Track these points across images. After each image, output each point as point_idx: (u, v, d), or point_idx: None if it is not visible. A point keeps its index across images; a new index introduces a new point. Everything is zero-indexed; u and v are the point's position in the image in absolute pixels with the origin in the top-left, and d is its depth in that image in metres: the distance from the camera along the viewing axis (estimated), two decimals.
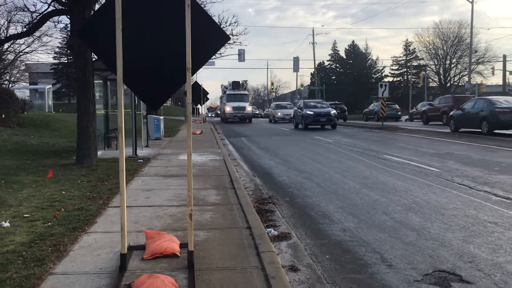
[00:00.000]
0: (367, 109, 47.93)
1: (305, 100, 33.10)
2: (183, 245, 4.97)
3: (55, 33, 79.49)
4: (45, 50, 54.90)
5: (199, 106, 39.78)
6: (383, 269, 4.82)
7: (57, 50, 67.39)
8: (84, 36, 4.46)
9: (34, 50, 40.80)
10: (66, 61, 72.73)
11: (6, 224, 6.06)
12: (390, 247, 5.49)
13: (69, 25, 16.80)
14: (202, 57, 4.44)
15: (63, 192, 8.16)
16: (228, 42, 11.80)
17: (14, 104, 22.83)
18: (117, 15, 4.09)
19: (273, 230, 6.20)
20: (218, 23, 26.68)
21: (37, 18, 12.60)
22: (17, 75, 53.84)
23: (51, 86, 56.62)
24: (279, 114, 43.68)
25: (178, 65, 4.23)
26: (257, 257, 4.84)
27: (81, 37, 4.64)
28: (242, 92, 47.40)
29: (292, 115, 37.47)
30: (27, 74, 60.77)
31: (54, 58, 69.24)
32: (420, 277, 4.58)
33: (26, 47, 38.64)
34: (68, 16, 11.99)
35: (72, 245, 5.26)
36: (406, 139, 20.24)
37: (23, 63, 51.31)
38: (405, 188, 8.96)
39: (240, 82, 49.33)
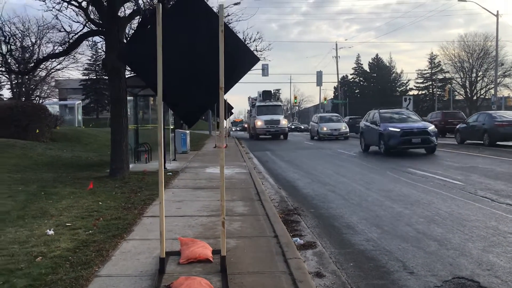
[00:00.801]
0: None
1: (381, 111, 22.34)
2: (215, 252, 5.34)
3: (85, 51, 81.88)
4: (76, 67, 56.68)
5: (224, 120, 40.52)
6: (405, 276, 5.09)
7: (86, 66, 69.35)
8: (126, 58, 4.91)
9: (65, 67, 42.22)
10: (95, 77, 74.80)
11: (51, 232, 6.53)
12: (412, 256, 5.74)
13: (100, 43, 17.58)
14: (234, 77, 4.84)
15: (100, 203, 8.64)
16: None
17: (47, 120, 23.75)
18: (158, 40, 4.54)
19: (299, 239, 6.52)
20: (243, 39, 27.33)
21: (73, 38, 13.28)
22: (48, 91, 55.63)
23: (80, 101, 58.27)
24: (325, 129, 35.05)
25: (212, 85, 4.64)
26: (285, 263, 5.17)
27: (123, 59, 5.11)
28: (275, 103, 40.96)
29: (341, 130, 34.54)
30: (57, 90, 62.57)
31: (83, 74, 71.36)
32: (440, 283, 4.83)
33: (58, 64, 40.06)
34: (103, 37, 12.62)
35: (113, 251, 5.68)
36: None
37: (53, 79, 52.95)
38: (428, 201, 9.16)
39: (272, 92, 43.34)
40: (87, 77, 73.78)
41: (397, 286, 4.81)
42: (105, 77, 71.24)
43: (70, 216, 7.57)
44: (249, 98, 49.47)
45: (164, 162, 14.39)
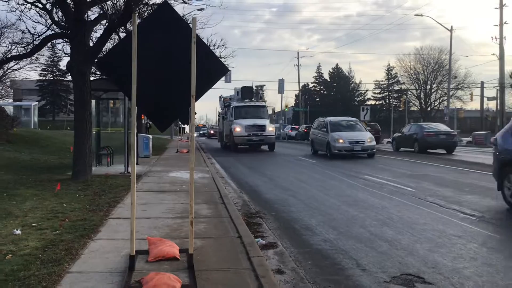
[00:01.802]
0: None
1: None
2: (182, 250, 5.63)
3: (44, 51, 79.67)
4: (33, 67, 55.29)
5: (185, 125, 40.18)
6: (358, 272, 5.54)
7: (43, 67, 67.72)
8: (102, 66, 5.16)
9: (22, 67, 41.21)
10: (52, 78, 73.13)
11: (18, 232, 6.64)
12: (364, 255, 6.21)
13: (60, 44, 17.49)
14: (205, 86, 5.18)
15: (64, 205, 8.74)
16: None
17: (4, 121, 23.24)
18: (134, 48, 4.82)
19: (261, 240, 6.88)
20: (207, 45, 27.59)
21: (37, 40, 13.23)
22: (2, 91, 54.00)
23: (36, 103, 56.75)
24: (341, 141, 22.70)
25: (184, 93, 4.95)
26: (248, 261, 5.52)
27: (99, 67, 5.35)
28: (258, 103, 31.85)
29: (366, 143, 22.59)
30: (12, 90, 60.75)
31: (40, 75, 69.60)
32: (389, 278, 5.29)
33: (15, 64, 39.05)
34: (67, 40, 12.64)
35: (82, 249, 5.87)
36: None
37: (9, 79, 51.48)
38: (381, 205, 9.73)
39: (254, 89, 33.43)
40: (44, 78, 72.08)
41: (350, 281, 5.24)
42: (62, 79, 70.09)
43: (35, 217, 7.65)
44: (220, 97, 37.93)
45: (128, 166, 14.52)
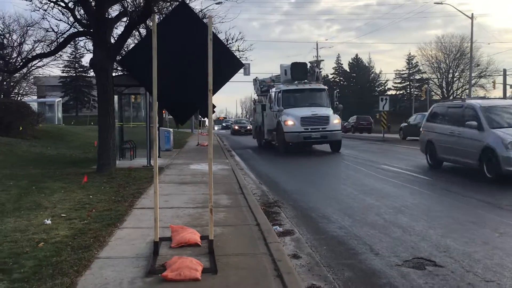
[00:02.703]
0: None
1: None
2: (203, 237, 5.93)
3: (66, 48, 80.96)
4: (56, 64, 56.22)
5: (205, 119, 40.50)
6: (371, 256, 5.77)
7: (66, 63, 68.97)
8: (125, 63, 5.47)
9: (46, 64, 42.13)
10: (74, 75, 74.49)
11: (48, 222, 7.03)
12: (378, 241, 6.43)
13: (82, 41, 17.95)
14: (221, 80, 5.44)
15: (91, 197, 9.14)
16: None
17: (30, 117, 23.97)
18: (154, 46, 5.11)
19: (278, 227, 7.15)
20: (226, 39, 27.79)
21: (60, 38, 13.69)
22: (26, 88, 55.24)
23: (60, 99, 57.95)
24: None
25: (202, 87, 5.22)
26: (266, 246, 5.79)
27: (122, 64, 5.66)
28: (315, 85, 23.28)
29: None
30: (35, 87, 62.04)
31: (62, 71, 70.94)
32: (401, 262, 5.52)
33: (39, 61, 39.96)
34: (90, 37, 13.04)
35: (109, 237, 6.22)
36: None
37: (32, 76, 52.60)
38: (396, 194, 9.91)
39: (308, 65, 24.64)
40: (66, 74, 73.43)
41: (363, 265, 5.48)
42: (84, 75, 71.34)
43: (64, 208, 8.06)
44: (255, 80, 29.03)
45: (150, 159, 14.93)
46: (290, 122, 20.52)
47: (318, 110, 21.11)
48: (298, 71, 23.40)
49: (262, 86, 27.50)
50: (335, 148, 21.33)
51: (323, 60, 27.42)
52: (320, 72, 24.82)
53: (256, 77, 28.86)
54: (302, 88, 22.72)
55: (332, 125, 20.71)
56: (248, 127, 46.69)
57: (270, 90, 24.59)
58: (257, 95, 28.99)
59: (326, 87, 23.89)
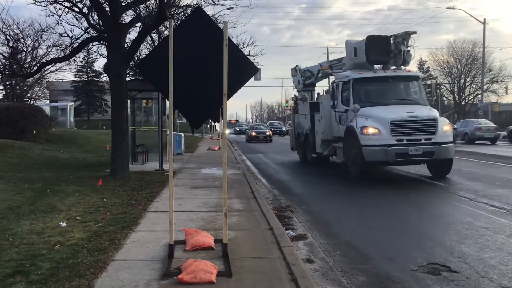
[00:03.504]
0: None
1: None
2: (217, 241, 5.97)
3: (79, 53, 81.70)
4: (69, 68, 56.82)
5: (216, 123, 40.41)
6: (385, 261, 5.77)
7: (78, 68, 69.54)
8: (142, 68, 5.54)
9: (59, 69, 42.51)
10: (86, 79, 75.11)
11: (64, 224, 7.12)
12: (392, 246, 6.42)
13: (95, 46, 18.17)
14: (236, 85, 5.49)
15: (105, 200, 9.23)
16: None
17: (44, 121, 24.21)
18: (170, 51, 5.17)
19: (291, 232, 7.17)
20: (237, 45, 27.96)
21: (75, 43, 13.86)
22: (39, 93, 55.77)
23: (72, 103, 58.48)
24: None
25: (217, 92, 5.27)
26: (279, 250, 5.82)
27: (139, 70, 5.74)
28: (405, 72, 15.16)
29: None
30: (48, 91, 62.63)
31: (75, 75, 71.55)
32: (416, 267, 5.50)
33: (52, 66, 40.26)
34: (104, 42, 13.19)
35: (124, 240, 6.28)
36: None
37: (45, 81, 53.12)
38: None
39: (392, 42, 15.21)
40: (78, 79, 74.04)
41: (377, 270, 5.48)
42: (96, 79, 71.93)
43: (79, 211, 8.14)
44: (295, 69, 21.25)
45: (162, 163, 15.03)
46: (372, 130, 12.77)
47: (417, 111, 13.25)
48: (378, 49, 14.79)
49: (306, 78, 20.06)
50: (443, 170, 13.37)
51: (415, 33, 14.86)
52: (409, 51, 15.12)
53: (297, 65, 21.08)
54: (386, 75, 14.60)
55: (441, 134, 12.82)
56: (268, 133, 41.50)
57: (333, 82, 16.26)
58: (298, 91, 20.81)
59: (421, 75, 17.35)
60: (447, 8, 44.99)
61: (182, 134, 23.35)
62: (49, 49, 17.07)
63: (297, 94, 21.13)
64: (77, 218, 7.62)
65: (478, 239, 6.67)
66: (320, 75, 19.63)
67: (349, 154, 13.53)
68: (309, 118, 17.13)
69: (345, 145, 13.96)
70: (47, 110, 43.74)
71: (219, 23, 12.77)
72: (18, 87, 42.03)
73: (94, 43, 15.40)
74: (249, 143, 37.82)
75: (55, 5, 13.32)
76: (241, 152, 26.44)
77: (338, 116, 14.83)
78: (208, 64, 5.40)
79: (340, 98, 14.78)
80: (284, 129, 56.15)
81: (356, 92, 14.08)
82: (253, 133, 41.87)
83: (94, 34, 14.14)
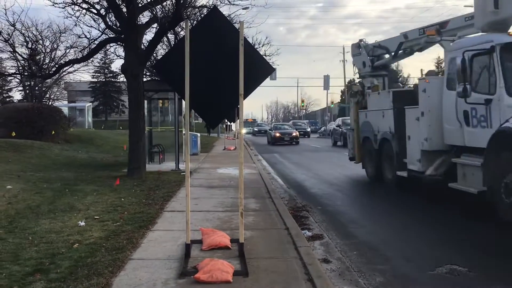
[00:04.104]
0: None
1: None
2: (233, 240, 5.99)
3: (97, 54, 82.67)
4: (87, 69, 57.41)
5: (231, 123, 40.38)
6: (403, 262, 5.73)
7: (96, 69, 70.31)
8: (159, 70, 5.59)
9: (76, 70, 43.03)
10: (104, 80, 75.92)
11: (82, 224, 7.21)
12: (411, 247, 6.37)
13: (113, 47, 18.35)
14: (252, 85, 5.50)
15: (122, 199, 9.32)
16: None
17: (62, 122, 24.55)
18: (186, 51, 5.20)
19: (307, 232, 7.16)
20: (253, 44, 27.99)
21: (93, 44, 14.02)
22: (57, 93, 56.58)
23: (90, 103, 59.15)
24: None
25: (233, 92, 5.29)
26: (295, 250, 5.81)
27: (156, 70, 5.79)
28: None
29: None
30: (66, 92, 63.45)
31: (92, 76, 72.38)
32: (433, 268, 5.45)
33: (70, 67, 40.70)
34: (121, 43, 13.31)
35: (142, 239, 6.34)
36: None
37: (63, 82, 53.80)
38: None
39: None
40: (96, 80, 74.89)
41: (395, 270, 5.44)
42: (114, 80, 72.69)
43: (97, 210, 8.24)
44: (358, 45, 15.16)
45: (178, 163, 15.12)
46: None
47: None
48: None
49: (375, 57, 14.61)
50: None
51: None
52: None
53: (362, 40, 15.25)
54: None
55: None
56: (294, 134, 35.66)
57: (453, 57, 9.18)
58: (363, 76, 15.00)
59: None
60: (465, 6, 44.17)
61: (198, 134, 23.45)
62: (67, 50, 17.38)
63: (362, 81, 15.20)
64: (95, 217, 7.71)
65: None
66: (409, 49, 13.34)
67: (507, 183, 7.52)
68: (392, 115, 11.60)
69: (491, 163, 7.86)
70: (65, 110, 44.34)
71: (235, 23, 12.81)
72: (37, 88, 42.70)
73: (111, 44, 15.55)
74: (273, 146, 33.09)
75: (73, 6, 13.50)
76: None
77: (463, 110, 8.93)
78: (224, 64, 5.42)
79: (467, 80, 8.44)
80: (308, 129, 49.98)
81: (509, 67, 8.24)
82: (277, 134, 35.75)
83: (111, 35, 14.27)
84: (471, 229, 7.42)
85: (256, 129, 55.12)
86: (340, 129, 29.76)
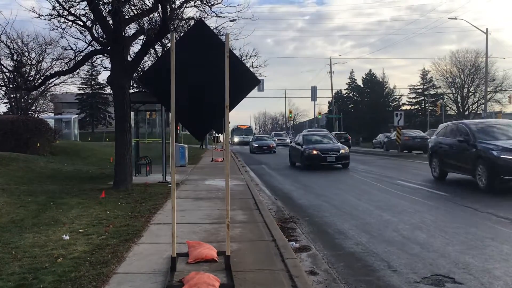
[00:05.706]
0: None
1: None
2: (220, 253, 5.94)
3: (83, 66, 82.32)
4: (73, 81, 57.06)
5: (219, 134, 40.27)
6: (389, 273, 5.72)
7: (82, 81, 69.96)
8: (144, 81, 5.57)
9: (63, 82, 42.74)
10: (90, 92, 75.56)
11: (67, 237, 7.10)
12: (396, 257, 6.37)
13: (99, 59, 18.27)
14: (238, 96, 5.51)
15: (108, 212, 9.22)
16: None
17: (48, 134, 24.32)
18: (172, 63, 5.19)
19: (294, 243, 7.13)
20: (240, 56, 28.08)
21: (79, 56, 13.94)
22: (43, 105, 56.08)
23: (77, 115, 58.75)
24: None
25: (219, 104, 5.29)
26: (282, 262, 5.78)
27: (141, 82, 5.76)
28: None
29: None
30: (52, 104, 62.92)
31: (79, 88, 71.99)
32: (420, 279, 5.46)
33: (56, 79, 40.50)
34: (107, 55, 13.27)
35: (127, 253, 6.27)
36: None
37: (49, 94, 53.38)
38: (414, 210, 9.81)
39: None
40: (83, 92, 74.48)
41: (381, 282, 5.43)
42: (100, 92, 72.45)
43: (82, 224, 8.13)
44: None
45: (165, 175, 15.03)
46: None
47: None
48: None
49: None
50: None
51: None
52: None
53: None
54: None
55: None
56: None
57: None
58: None
59: None
60: (449, 18, 44.98)
61: (186, 146, 23.36)
62: (53, 62, 17.34)
63: None
64: (80, 230, 7.61)
65: None
66: None
67: None
68: None
69: None
70: (51, 122, 43.97)
71: (222, 35, 12.86)
72: (22, 100, 42.19)
73: (98, 56, 15.50)
74: (254, 154, 37.47)
75: (59, 18, 13.43)
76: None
77: None
78: (210, 76, 5.43)
79: None
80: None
81: None
82: (256, 145, 40.35)
83: (98, 47, 14.22)
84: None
85: (256, 145, 40.82)
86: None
